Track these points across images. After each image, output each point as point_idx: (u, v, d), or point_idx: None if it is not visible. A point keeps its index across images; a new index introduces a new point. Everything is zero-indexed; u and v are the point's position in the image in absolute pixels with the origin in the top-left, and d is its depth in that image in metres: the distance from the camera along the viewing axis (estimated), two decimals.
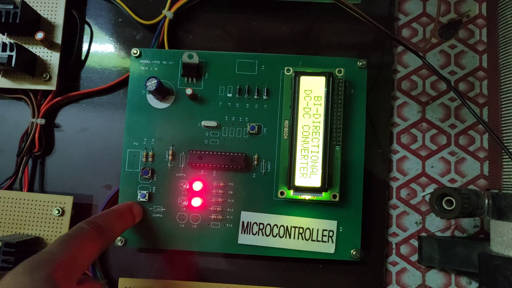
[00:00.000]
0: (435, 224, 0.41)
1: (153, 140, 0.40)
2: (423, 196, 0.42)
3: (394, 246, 0.41)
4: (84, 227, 0.32)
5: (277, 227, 0.39)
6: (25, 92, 0.42)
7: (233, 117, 0.40)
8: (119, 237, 0.39)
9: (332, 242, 0.39)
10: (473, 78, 0.43)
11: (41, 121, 0.42)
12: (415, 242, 0.41)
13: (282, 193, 0.38)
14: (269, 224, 0.39)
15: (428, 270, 0.41)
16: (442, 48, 0.43)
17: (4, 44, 0.39)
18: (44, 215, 0.40)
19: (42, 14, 0.42)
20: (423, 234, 0.41)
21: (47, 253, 0.29)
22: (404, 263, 0.41)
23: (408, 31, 0.44)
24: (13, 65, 0.39)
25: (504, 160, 0.35)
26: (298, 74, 0.38)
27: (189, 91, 0.39)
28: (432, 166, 0.42)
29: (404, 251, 0.41)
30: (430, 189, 0.42)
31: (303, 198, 0.38)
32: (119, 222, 0.36)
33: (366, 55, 0.43)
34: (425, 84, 0.43)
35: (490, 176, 0.40)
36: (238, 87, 0.40)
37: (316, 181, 0.37)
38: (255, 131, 0.40)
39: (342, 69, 0.39)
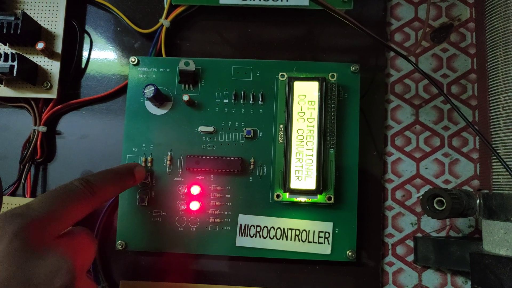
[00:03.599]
0: (430, 224, 0.42)
1: (151, 145, 0.41)
2: (418, 197, 0.42)
3: (390, 247, 0.42)
4: (76, 186, 0.30)
5: (274, 229, 0.40)
6: (26, 100, 0.43)
7: (230, 122, 0.41)
8: (119, 241, 0.40)
9: (328, 243, 0.40)
10: (465, 80, 0.43)
11: (42, 128, 0.43)
12: (410, 243, 0.42)
13: (278, 196, 0.39)
14: (266, 227, 0.40)
15: (424, 270, 0.42)
16: (434, 52, 0.44)
17: (5, 54, 0.40)
18: None
19: (42, 25, 0.43)
20: (419, 234, 0.42)
21: (25, 206, 0.27)
22: (400, 263, 0.42)
23: (401, 35, 0.44)
24: (14, 75, 0.40)
25: (493, 160, 0.35)
26: (292, 80, 0.39)
27: (186, 97, 0.40)
28: (426, 168, 0.43)
29: (400, 251, 0.42)
30: (425, 190, 0.42)
31: (299, 201, 0.39)
32: (116, 184, 0.35)
33: (360, 59, 0.44)
34: (417, 87, 0.44)
35: (481, 177, 0.41)
36: (234, 92, 0.41)
37: (311, 183, 0.38)
38: (251, 136, 0.40)
39: (335, 74, 0.40)
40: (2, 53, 0.40)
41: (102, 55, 0.45)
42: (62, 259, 0.27)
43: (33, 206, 0.28)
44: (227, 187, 0.40)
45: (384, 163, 0.43)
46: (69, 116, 0.44)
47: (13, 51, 0.41)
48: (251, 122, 0.41)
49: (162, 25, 0.43)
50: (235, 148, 0.41)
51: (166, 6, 0.43)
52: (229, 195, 0.40)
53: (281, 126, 0.40)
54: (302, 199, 0.39)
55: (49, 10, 0.43)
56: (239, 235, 0.40)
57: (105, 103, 0.44)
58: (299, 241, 0.40)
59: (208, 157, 0.40)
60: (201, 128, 0.41)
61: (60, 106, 0.43)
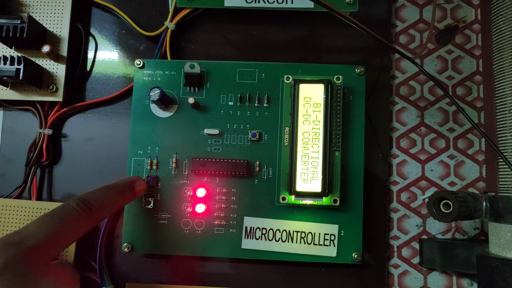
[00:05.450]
0: (435, 226, 0.42)
1: (157, 148, 0.41)
2: (424, 200, 0.42)
3: (395, 249, 0.42)
4: (73, 207, 0.30)
5: (280, 232, 0.40)
6: (32, 103, 0.43)
7: (235, 125, 0.41)
8: (125, 244, 0.40)
9: (334, 245, 0.39)
10: (470, 82, 0.43)
11: (48, 131, 0.43)
12: (416, 245, 0.42)
13: (283, 199, 0.39)
14: (271, 229, 0.40)
15: (430, 272, 0.41)
16: (439, 54, 0.44)
17: (12, 58, 0.40)
18: None
19: (48, 28, 0.43)
20: (424, 236, 0.42)
21: (20, 234, 0.26)
22: (406, 265, 0.42)
23: (406, 37, 0.44)
24: (20, 78, 0.40)
25: (499, 163, 0.35)
26: (297, 82, 0.39)
27: (191, 100, 0.40)
28: (432, 170, 0.43)
29: (405, 253, 0.42)
30: (430, 192, 0.42)
31: (304, 203, 0.39)
32: (115, 201, 0.34)
33: (365, 61, 0.44)
34: (423, 89, 0.44)
35: (488, 179, 0.41)
36: (239, 95, 0.41)
37: (316, 186, 0.38)
38: (256, 138, 0.40)
39: (340, 76, 0.40)
40: (8, 56, 0.40)
41: (107, 58, 0.45)
42: (54, 286, 0.27)
43: (28, 233, 0.27)
44: (232, 190, 0.40)
45: (389, 165, 0.43)
46: (75, 119, 0.44)
47: (19, 55, 0.41)
48: (257, 125, 0.41)
49: (167, 28, 0.43)
50: (240, 150, 0.41)
51: (171, 9, 0.43)
52: (234, 198, 0.40)
53: (287, 129, 0.40)
54: (308, 201, 0.39)
55: (54, 13, 0.43)
56: (245, 238, 0.40)
57: (110, 105, 0.44)
58: (304, 243, 0.40)
59: (213, 160, 0.40)
60: (206, 131, 0.41)
61: (65, 109, 0.43)
